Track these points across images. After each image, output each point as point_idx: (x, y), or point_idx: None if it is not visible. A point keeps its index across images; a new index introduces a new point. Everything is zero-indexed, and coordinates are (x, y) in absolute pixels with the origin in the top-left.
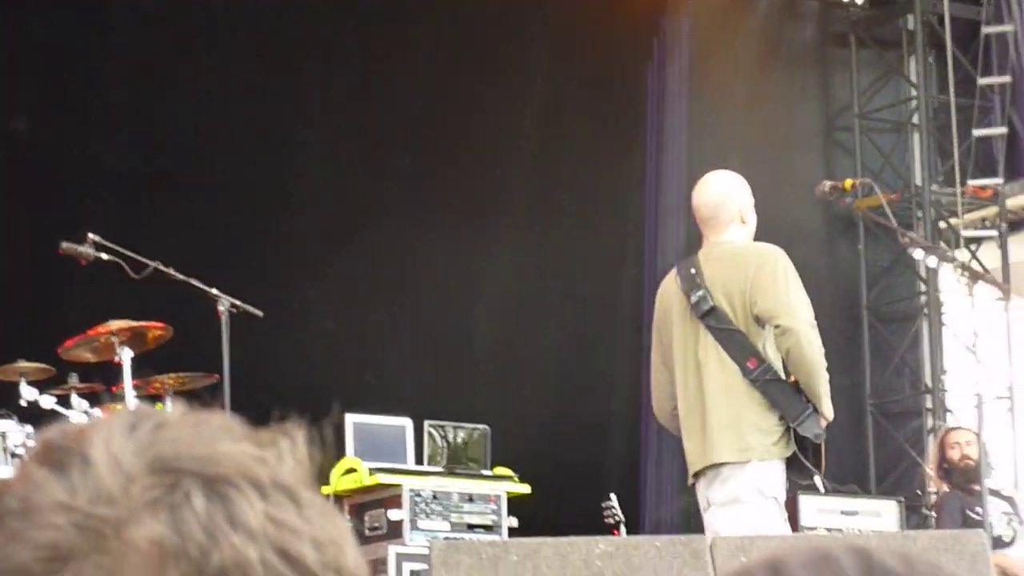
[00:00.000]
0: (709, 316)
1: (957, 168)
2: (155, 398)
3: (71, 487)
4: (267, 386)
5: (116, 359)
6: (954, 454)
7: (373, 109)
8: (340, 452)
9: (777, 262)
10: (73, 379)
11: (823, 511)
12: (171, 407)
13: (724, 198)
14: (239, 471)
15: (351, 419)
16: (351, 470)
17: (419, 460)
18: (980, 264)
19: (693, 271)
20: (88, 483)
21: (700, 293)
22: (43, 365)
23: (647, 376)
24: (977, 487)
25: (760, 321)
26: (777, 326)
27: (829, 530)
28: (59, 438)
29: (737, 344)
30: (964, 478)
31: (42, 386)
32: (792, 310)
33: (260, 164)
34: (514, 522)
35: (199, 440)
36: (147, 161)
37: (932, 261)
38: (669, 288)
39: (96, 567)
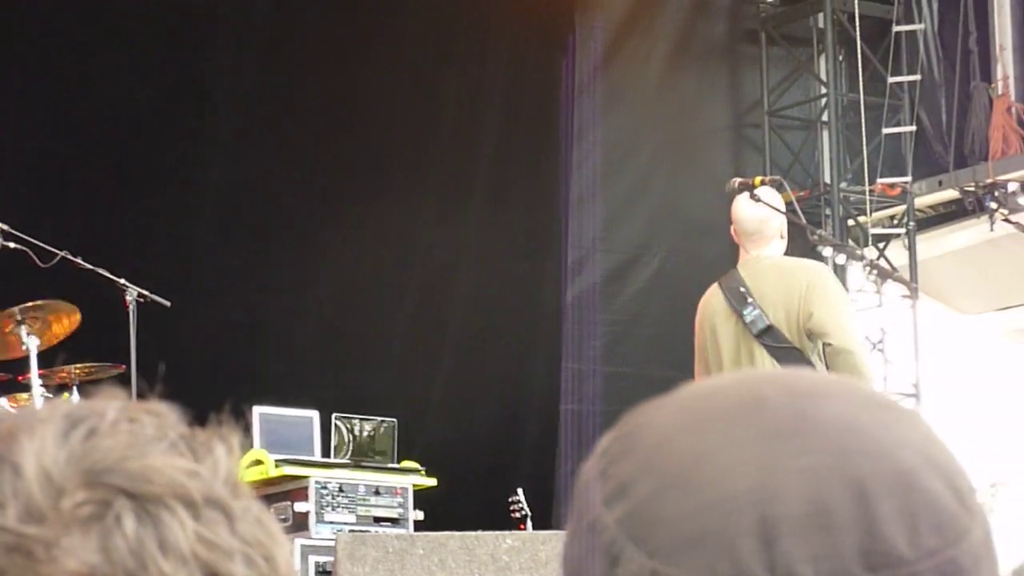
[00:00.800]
0: (766, 335)
1: (866, 166)
2: (62, 388)
3: (1, 501)
4: (174, 376)
5: (23, 349)
6: None
7: (282, 97)
8: (247, 444)
9: (828, 278)
10: None
11: None
12: (109, 406)
13: (770, 212)
14: (171, 490)
15: (258, 411)
16: (257, 462)
17: (326, 452)
18: (888, 262)
19: (741, 289)
20: (19, 497)
21: (755, 312)
22: None
23: (562, 368)
24: None
25: (812, 336)
26: (829, 344)
27: None
28: None
29: (794, 361)
30: None
31: None
32: (845, 329)
33: (167, 152)
34: (420, 515)
35: (133, 451)
36: (54, 149)
37: (841, 259)
38: (714, 305)
39: None
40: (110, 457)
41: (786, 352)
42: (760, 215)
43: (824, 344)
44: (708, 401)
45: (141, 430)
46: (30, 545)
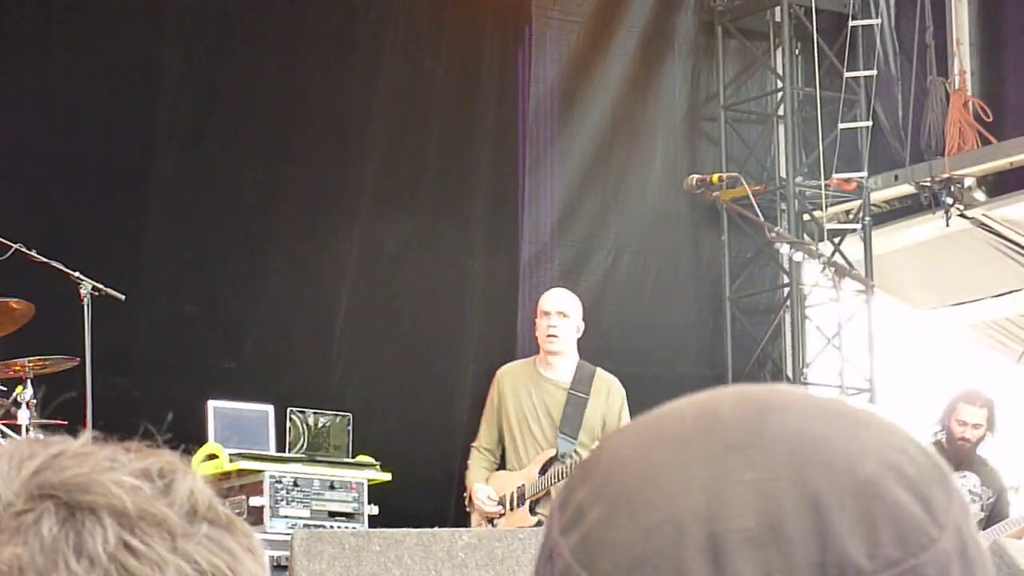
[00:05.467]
0: None
1: (822, 161)
2: (16, 381)
3: None
4: (128, 370)
5: None
6: (956, 428)
7: (235, 88)
8: (201, 438)
9: None
10: None
11: None
12: (125, 447)
13: None
14: (105, 500)
15: (212, 405)
16: (212, 456)
17: (281, 447)
18: (843, 257)
19: None
20: None
21: None
22: None
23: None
24: (960, 473)
25: None
26: None
27: None
28: None
29: None
30: (952, 458)
31: None
32: None
33: (121, 144)
34: (375, 510)
35: (84, 468)
36: (8, 141)
37: (798, 256)
38: None
39: None
40: (63, 474)
41: None
42: None
43: None
44: (663, 422)
45: (109, 455)
46: None
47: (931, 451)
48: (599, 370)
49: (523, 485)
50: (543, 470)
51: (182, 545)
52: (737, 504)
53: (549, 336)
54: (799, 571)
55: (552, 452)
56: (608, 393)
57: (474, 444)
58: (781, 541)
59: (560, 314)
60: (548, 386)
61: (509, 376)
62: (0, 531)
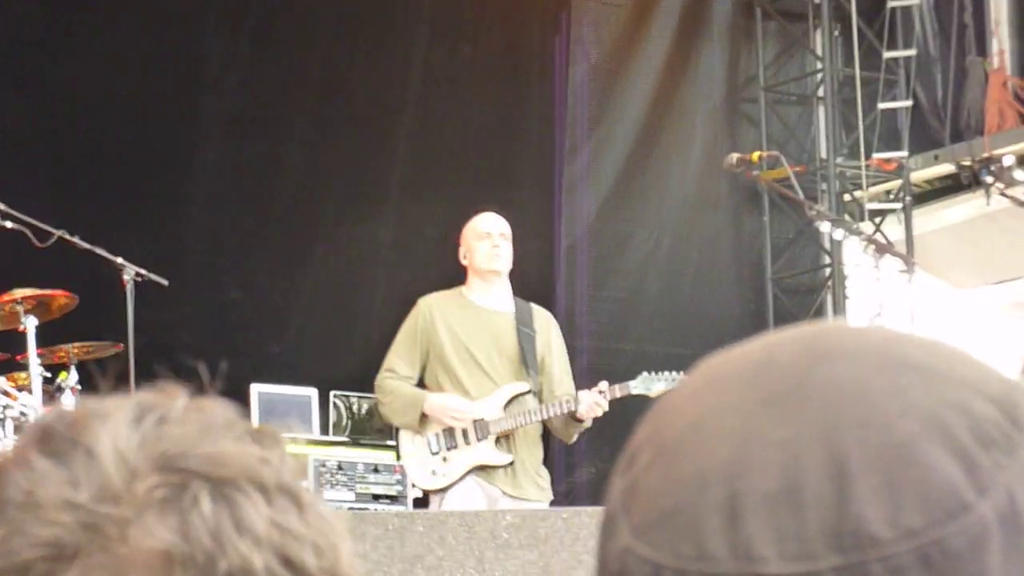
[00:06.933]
0: None
1: (862, 141)
2: (60, 367)
3: (75, 481)
4: (172, 355)
5: (21, 328)
6: None
7: (277, 77)
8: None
9: None
10: None
11: None
12: (176, 396)
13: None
14: (245, 474)
15: (256, 389)
16: None
17: (324, 430)
18: (884, 237)
19: None
20: (92, 478)
21: None
22: None
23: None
24: None
25: None
26: None
27: None
28: (60, 426)
29: None
30: None
31: None
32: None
33: (163, 131)
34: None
35: (204, 438)
36: (52, 129)
37: (838, 234)
38: None
39: (101, 568)
40: (183, 443)
41: None
42: None
43: None
44: (728, 363)
45: (210, 419)
46: (103, 524)
47: (1019, 406)
48: (533, 305)
49: (483, 419)
50: (506, 405)
51: (307, 516)
52: (761, 463)
53: (495, 255)
54: (813, 538)
55: (523, 387)
56: (550, 329)
57: (388, 372)
58: (798, 505)
59: (502, 235)
60: (490, 314)
61: (437, 304)
62: (138, 506)
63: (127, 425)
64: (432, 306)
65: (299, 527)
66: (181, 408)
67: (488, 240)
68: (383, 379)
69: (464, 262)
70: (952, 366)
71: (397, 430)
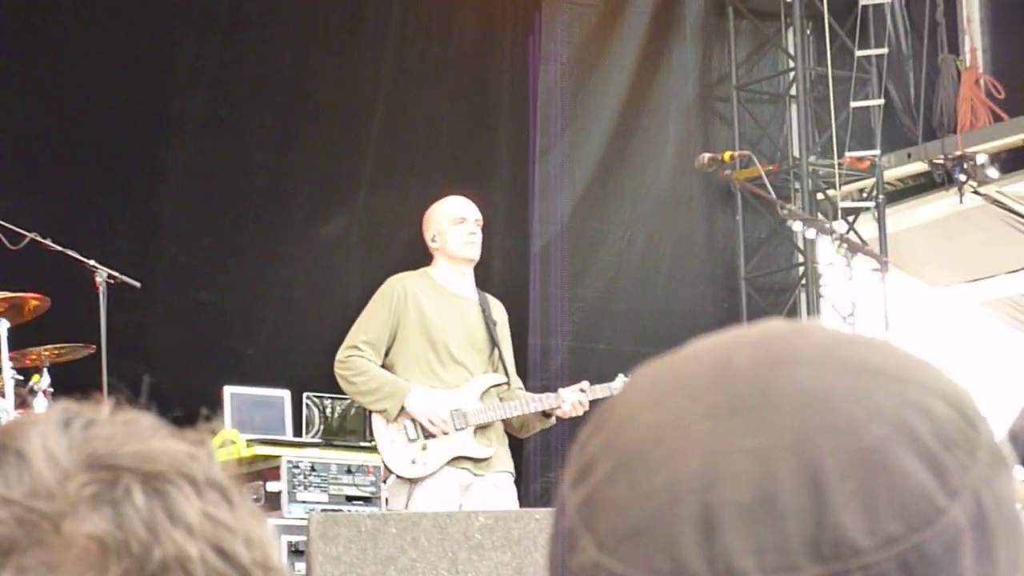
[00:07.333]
0: None
1: (835, 140)
2: (32, 370)
3: (6, 481)
4: (145, 357)
5: None
6: None
7: (247, 76)
8: (218, 424)
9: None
10: None
11: None
12: (102, 406)
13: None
14: (175, 468)
15: (228, 390)
16: (229, 442)
17: (297, 432)
18: (857, 235)
19: None
20: (24, 478)
21: None
22: None
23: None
24: None
25: None
26: None
27: None
28: None
29: None
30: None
31: None
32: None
33: (134, 133)
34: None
35: (132, 437)
36: (22, 131)
37: (811, 233)
38: None
39: (37, 561)
40: (111, 443)
41: None
42: None
43: None
44: (680, 370)
45: (135, 422)
46: (38, 519)
47: (969, 404)
48: (489, 295)
49: (460, 408)
50: (481, 396)
51: (237, 510)
52: (734, 473)
53: (471, 242)
54: (793, 549)
55: (499, 379)
56: (505, 322)
57: (353, 348)
58: (775, 516)
59: (477, 221)
60: (459, 301)
61: (412, 284)
62: (71, 502)
63: (55, 429)
64: (407, 286)
65: (230, 519)
66: (106, 414)
67: (464, 225)
68: (349, 356)
69: (433, 245)
70: (904, 366)
71: (369, 412)
